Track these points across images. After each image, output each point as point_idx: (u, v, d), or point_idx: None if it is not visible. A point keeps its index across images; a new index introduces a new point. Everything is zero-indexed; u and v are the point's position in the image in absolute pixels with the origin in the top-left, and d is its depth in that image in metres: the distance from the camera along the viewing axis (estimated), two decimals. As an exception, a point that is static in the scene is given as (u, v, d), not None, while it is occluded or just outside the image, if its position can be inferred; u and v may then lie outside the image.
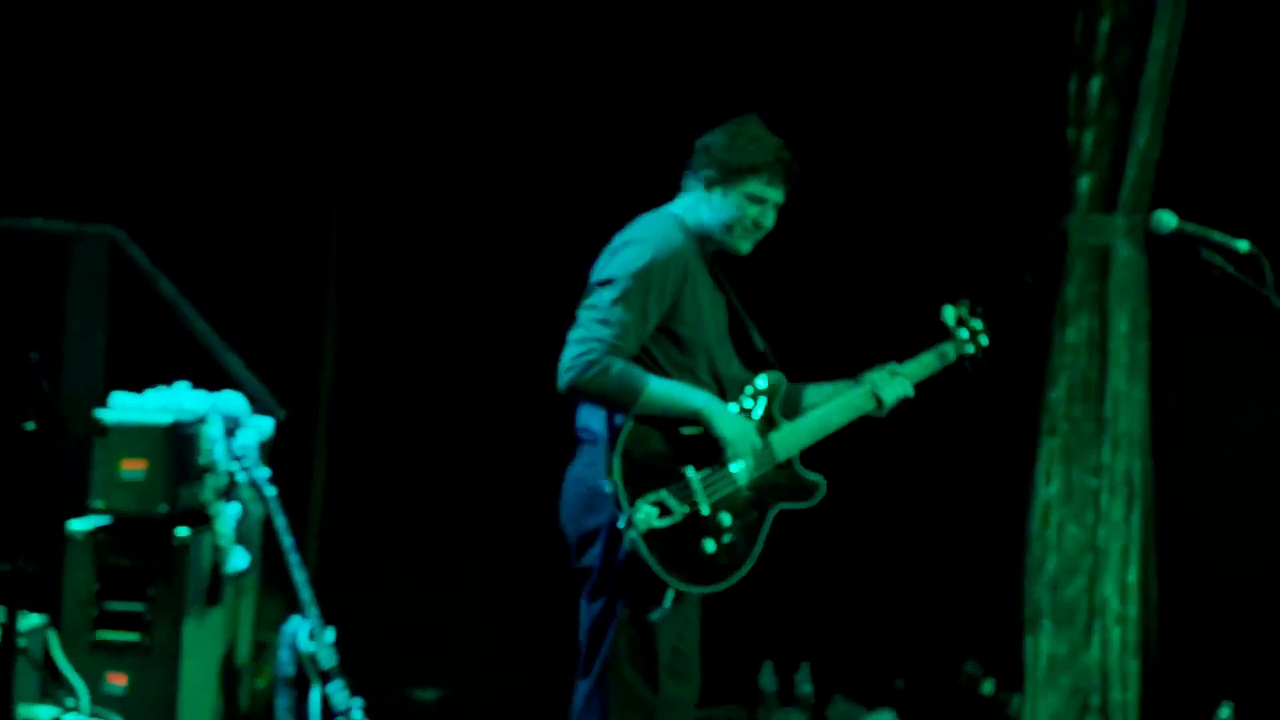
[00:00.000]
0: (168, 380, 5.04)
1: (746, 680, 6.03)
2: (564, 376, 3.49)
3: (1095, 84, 5.78)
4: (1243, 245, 3.73)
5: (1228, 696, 5.72)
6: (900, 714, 5.88)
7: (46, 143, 6.04)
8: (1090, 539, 5.79)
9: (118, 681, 4.66)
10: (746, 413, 3.73)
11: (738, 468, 3.62)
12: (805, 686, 6.02)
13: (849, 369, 4.01)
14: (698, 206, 3.75)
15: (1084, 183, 5.85)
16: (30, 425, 2.87)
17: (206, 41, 6.20)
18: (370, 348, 6.33)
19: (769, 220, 3.75)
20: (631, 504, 3.45)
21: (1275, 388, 5.66)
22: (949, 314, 4.10)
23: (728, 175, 3.69)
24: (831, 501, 5.99)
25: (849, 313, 6.04)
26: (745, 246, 3.77)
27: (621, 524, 3.45)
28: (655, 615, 3.53)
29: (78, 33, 6.10)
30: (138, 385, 5.05)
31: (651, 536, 3.46)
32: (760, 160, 3.68)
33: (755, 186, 3.69)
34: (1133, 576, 5.76)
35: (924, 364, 4.02)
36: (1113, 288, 5.83)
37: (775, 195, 3.73)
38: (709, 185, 3.73)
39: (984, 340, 4.13)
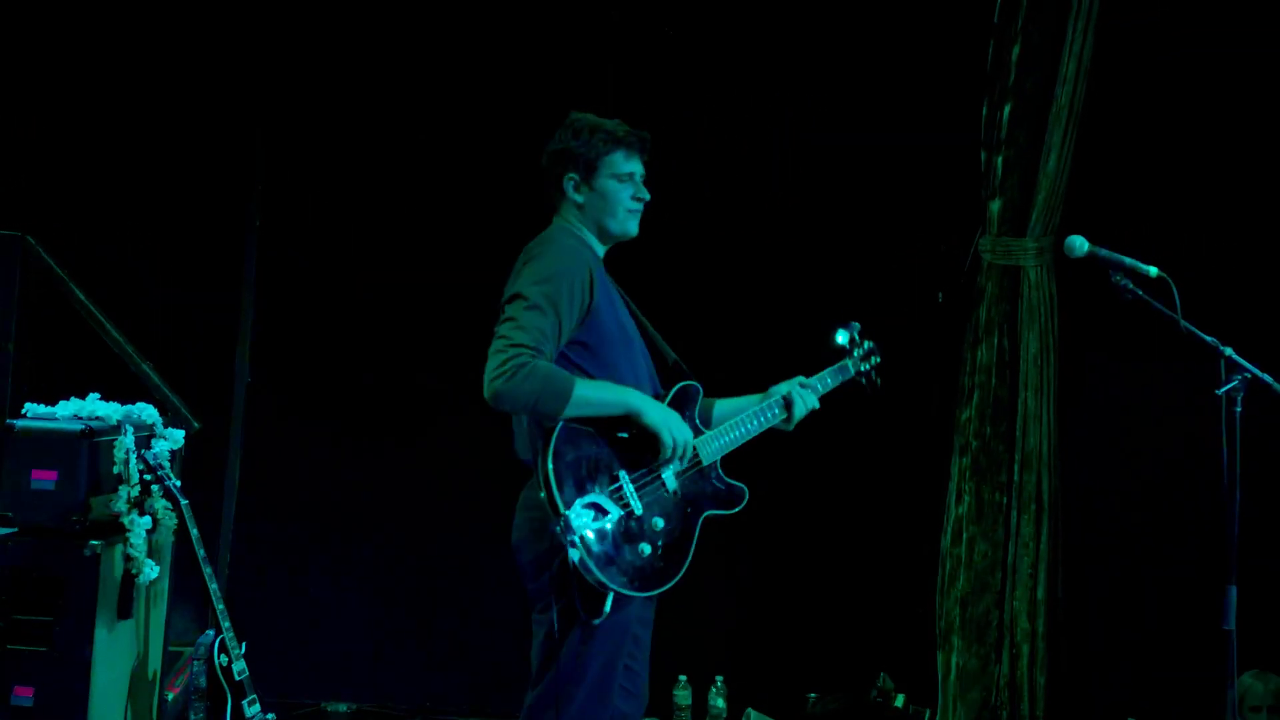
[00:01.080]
0: (80, 390, 4.98)
1: (661, 694, 6.04)
2: (492, 384, 3.49)
3: (1006, 110, 5.88)
4: (1152, 270, 3.85)
5: (1132, 712, 5.83)
6: (812, 728, 5.95)
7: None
8: (1000, 556, 5.89)
9: (25, 694, 4.58)
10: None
11: (667, 471, 3.65)
12: (719, 701, 6.04)
13: (755, 383, 4.08)
14: (578, 213, 3.82)
15: (995, 206, 5.95)
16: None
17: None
18: (285, 351, 6.29)
19: (645, 193, 3.85)
20: (568, 507, 3.47)
21: (1178, 408, 5.76)
22: (842, 336, 4.22)
23: (588, 168, 3.78)
24: (745, 514, 6.08)
25: (757, 327, 6.09)
26: (633, 227, 3.85)
27: (558, 528, 3.46)
28: (597, 620, 3.53)
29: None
30: (50, 395, 4.98)
31: (588, 538, 3.48)
32: (607, 141, 3.78)
33: (616, 166, 3.79)
34: (1042, 593, 5.87)
35: (828, 378, 4.13)
36: (1023, 309, 5.94)
37: (637, 168, 3.84)
38: (577, 187, 3.80)
39: (876, 360, 4.27)
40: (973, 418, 5.96)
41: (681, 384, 3.81)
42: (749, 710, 6.02)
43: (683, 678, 6.06)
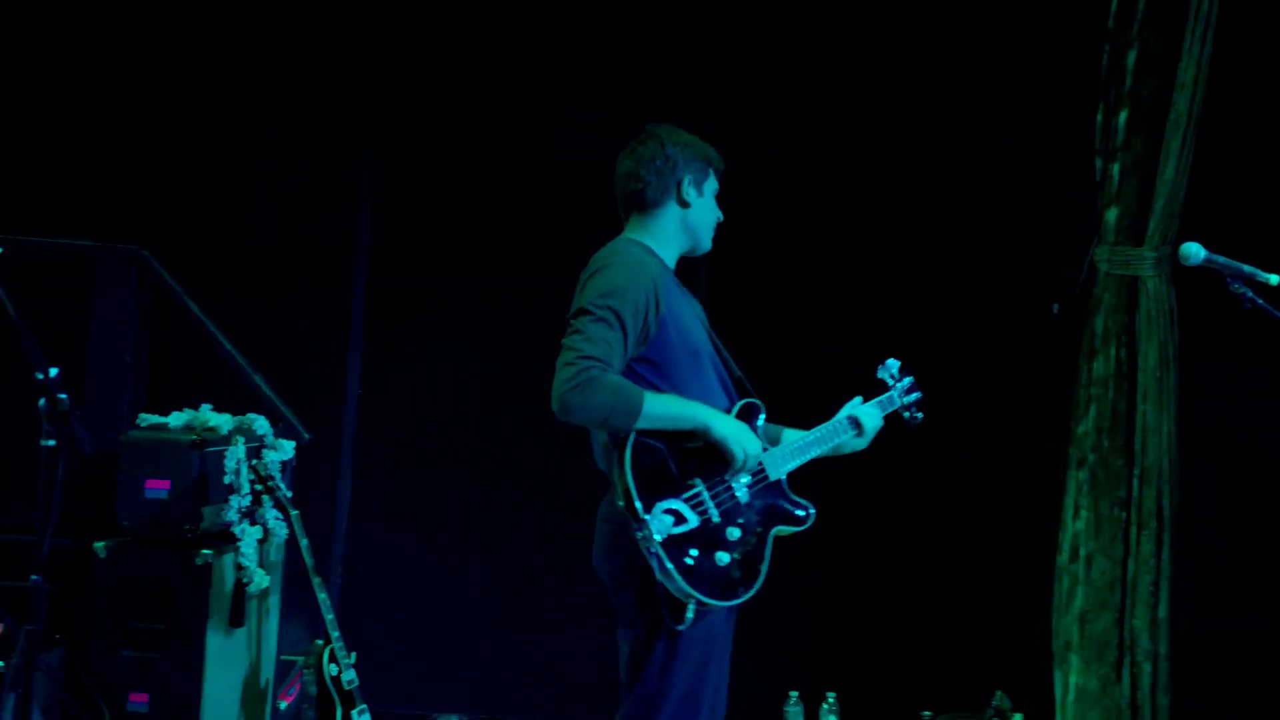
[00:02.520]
0: (193, 402, 5.06)
1: (773, 711, 5.99)
2: (562, 396, 3.47)
3: (1122, 116, 5.76)
4: (1273, 278, 3.73)
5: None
6: (926, 747, 5.85)
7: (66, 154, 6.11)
8: (1120, 573, 5.74)
9: (141, 700, 4.67)
10: None
11: (738, 483, 3.62)
12: (830, 718, 5.97)
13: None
14: (661, 222, 3.81)
15: (1111, 214, 5.83)
16: (50, 442, 2.88)
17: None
18: (396, 368, 6.35)
19: (720, 214, 3.91)
20: (647, 512, 3.44)
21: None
22: (881, 372, 4.12)
23: (697, 178, 3.82)
24: (860, 530, 6.01)
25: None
26: (709, 243, 3.90)
27: (640, 534, 3.44)
28: (680, 627, 3.50)
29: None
30: (163, 406, 5.07)
31: (670, 546, 3.45)
32: (712, 156, 3.86)
33: (714, 182, 3.87)
34: (1163, 612, 5.71)
35: (887, 402, 4.04)
36: (1141, 320, 5.80)
37: (715, 186, 3.90)
38: (663, 203, 3.80)
39: (915, 396, 4.14)
40: (1089, 431, 5.83)
41: (745, 400, 3.78)
42: (859, 727, 5.94)
43: (794, 694, 5.99)
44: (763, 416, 3.78)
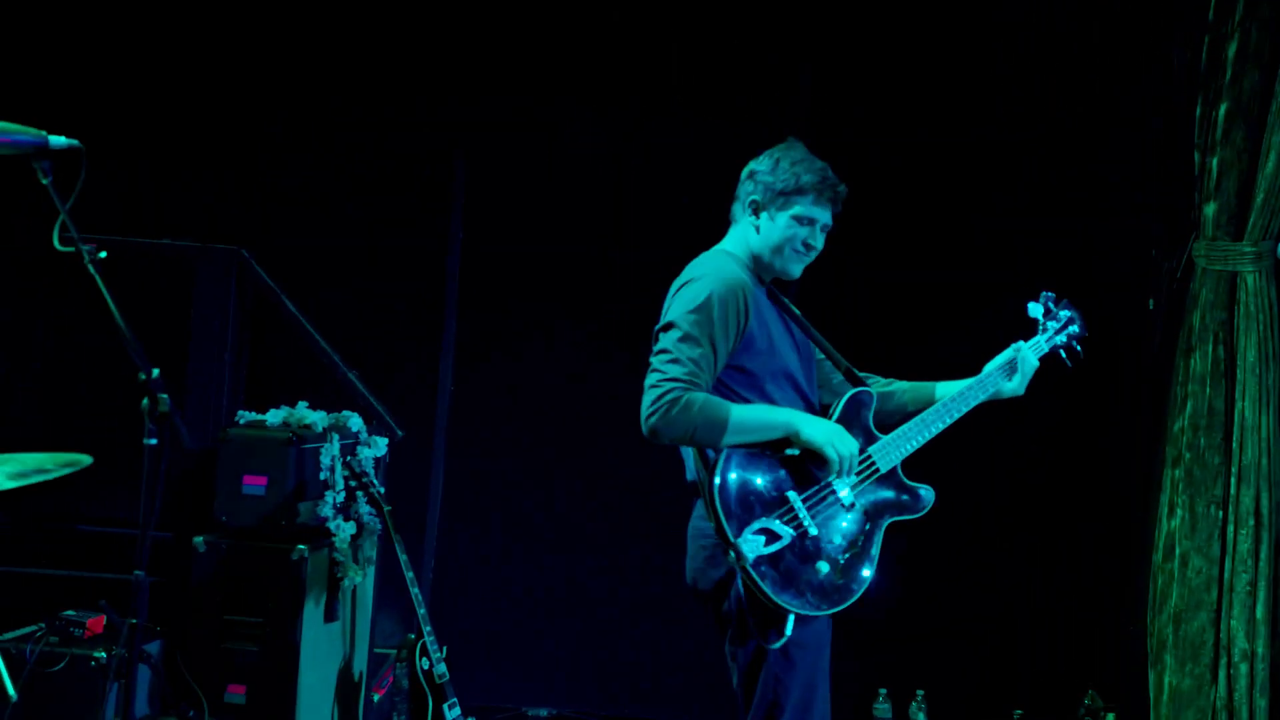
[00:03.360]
0: (290, 399, 5.14)
1: (862, 708, 5.98)
2: (648, 421, 3.50)
3: (1222, 109, 5.67)
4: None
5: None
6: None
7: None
8: (1216, 573, 5.66)
9: (238, 691, 4.75)
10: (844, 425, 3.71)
11: (840, 485, 3.61)
12: (920, 715, 5.95)
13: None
14: (747, 235, 3.79)
15: (1210, 209, 5.74)
16: (153, 440, 2.95)
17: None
18: (487, 367, 6.41)
19: (818, 242, 3.78)
20: (738, 535, 3.45)
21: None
22: (1034, 309, 4.11)
23: (775, 198, 3.74)
24: (952, 525, 5.99)
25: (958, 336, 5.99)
26: (796, 269, 3.80)
27: (731, 557, 3.45)
28: (776, 644, 3.50)
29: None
30: (261, 403, 5.16)
31: (763, 565, 3.45)
32: (806, 182, 3.72)
33: (801, 208, 3.73)
34: (1261, 612, 5.62)
35: (1033, 348, 4.03)
36: (1240, 316, 5.72)
37: (823, 216, 3.77)
38: (756, 210, 3.76)
39: (1075, 329, 4.13)
40: (1185, 428, 5.75)
41: (850, 393, 3.76)
42: (950, 726, 5.92)
43: (883, 691, 5.98)
44: (870, 404, 3.77)
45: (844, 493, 3.62)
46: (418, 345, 6.34)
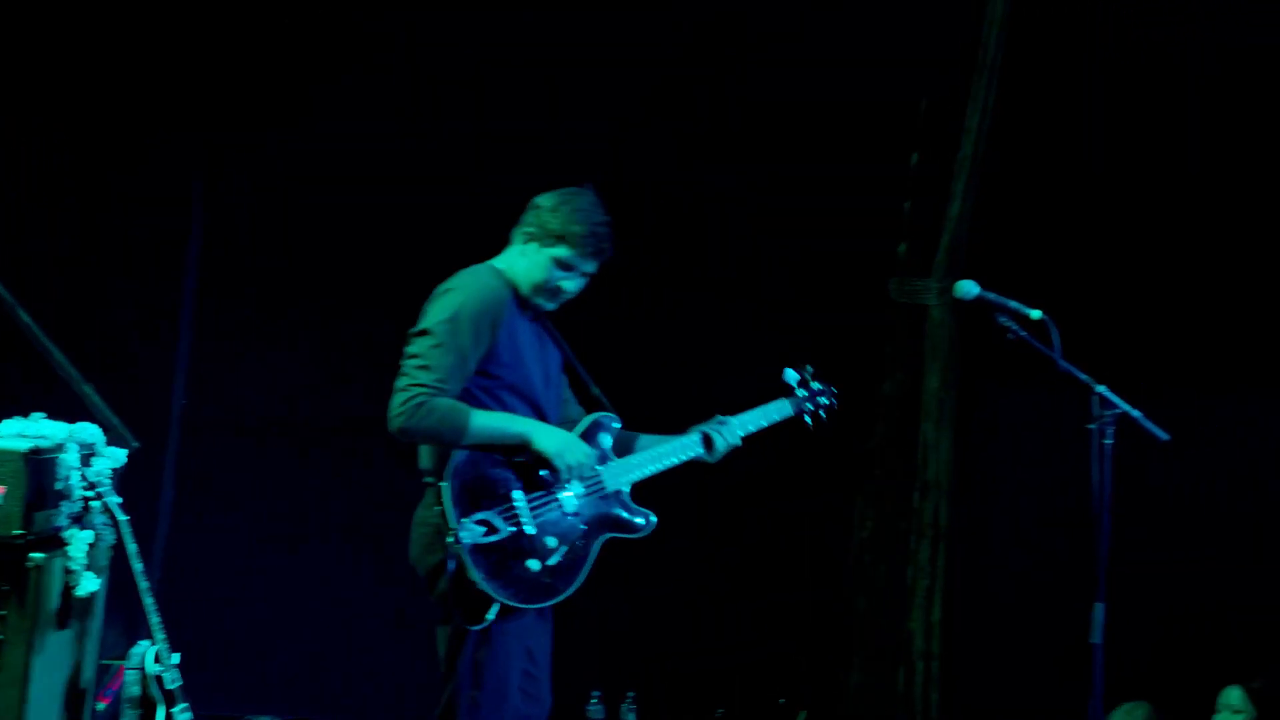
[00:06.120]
0: (24, 410, 5.13)
1: (576, 711, 6.25)
2: (394, 421, 3.75)
3: (914, 158, 6.22)
4: (1035, 313, 4.09)
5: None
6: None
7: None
8: (899, 579, 6.19)
9: (-36, 701, 4.71)
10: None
11: (565, 494, 3.88)
12: (630, 717, 6.25)
13: (688, 417, 4.26)
14: (514, 260, 4.00)
15: (903, 248, 6.28)
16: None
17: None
18: (222, 381, 6.48)
19: (572, 287, 3.99)
20: (458, 522, 3.70)
21: (1066, 439, 6.07)
22: (790, 375, 4.38)
23: (544, 236, 3.94)
24: (660, 533, 6.32)
25: (691, 362, 6.34)
26: (547, 306, 4.02)
27: (450, 540, 3.70)
28: (476, 627, 3.74)
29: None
30: (-6, 415, 5.13)
31: (477, 553, 3.70)
32: (575, 231, 3.92)
33: (564, 253, 3.93)
34: (937, 615, 6.18)
35: (756, 417, 4.29)
36: (926, 346, 6.27)
37: (585, 266, 3.98)
38: (526, 241, 3.99)
39: (826, 401, 4.42)
40: (878, 448, 6.27)
41: (594, 415, 4.06)
42: (659, 725, 6.25)
43: (596, 694, 6.25)
44: (612, 430, 4.05)
45: (568, 501, 3.89)
46: (154, 356, 6.37)
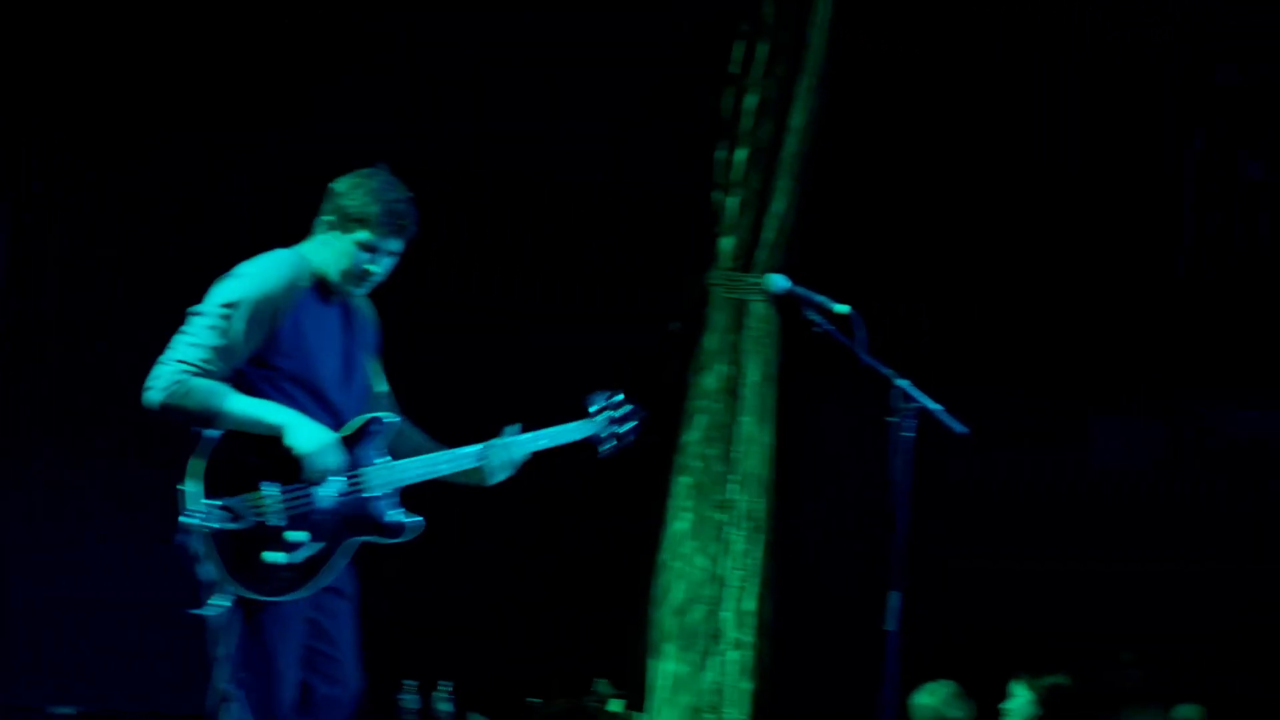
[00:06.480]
0: None
1: (387, 699, 6.21)
2: (148, 394, 3.65)
3: (741, 154, 6.30)
4: (841, 308, 4.15)
5: (830, 714, 6.24)
6: (533, 731, 6.21)
7: None
8: (715, 570, 6.27)
9: None
10: (344, 440, 3.85)
11: (322, 490, 3.77)
12: (444, 705, 6.23)
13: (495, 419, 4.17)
14: (317, 248, 3.93)
15: (726, 243, 6.36)
16: None
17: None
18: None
19: (380, 268, 3.92)
20: (202, 502, 3.63)
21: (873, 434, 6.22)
22: (596, 401, 4.27)
23: (343, 222, 3.87)
24: (470, 527, 6.32)
25: (497, 366, 6.35)
26: (355, 290, 3.94)
27: (185, 519, 3.62)
28: (206, 611, 3.67)
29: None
30: None
31: (217, 538, 3.63)
32: (373, 212, 3.86)
33: (365, 235, 3.86)
34: (750, 604, 6.26)
35: (550, 437, 4.17)
36: (747, 340, 6.35)
37: (388, 245, 3.91)
38: (328, 230, 3.91)
39: (622, 429, 4.30)
40: (696, 440, 6.33)
41: (368, 415, 3.92)
42: (473, 715, 6.23)
43: (409, 683, 6.22)
44: (388, 430, 3.92)
45: (324, 499, 3.77)
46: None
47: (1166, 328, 7.06)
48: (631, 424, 4.32)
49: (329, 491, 3.79)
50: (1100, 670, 6.69)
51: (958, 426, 4.08)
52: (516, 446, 4.07)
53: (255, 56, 6.35)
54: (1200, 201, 7.23)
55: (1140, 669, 6.86)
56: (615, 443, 4.29)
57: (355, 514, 3.84)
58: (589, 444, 4.28)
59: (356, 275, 3.89)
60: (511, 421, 4.08)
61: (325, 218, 3.92)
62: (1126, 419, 7.47)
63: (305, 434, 3.75)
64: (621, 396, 4.32)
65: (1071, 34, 6.65)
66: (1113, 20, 6.60)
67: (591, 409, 4.26)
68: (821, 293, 4.15)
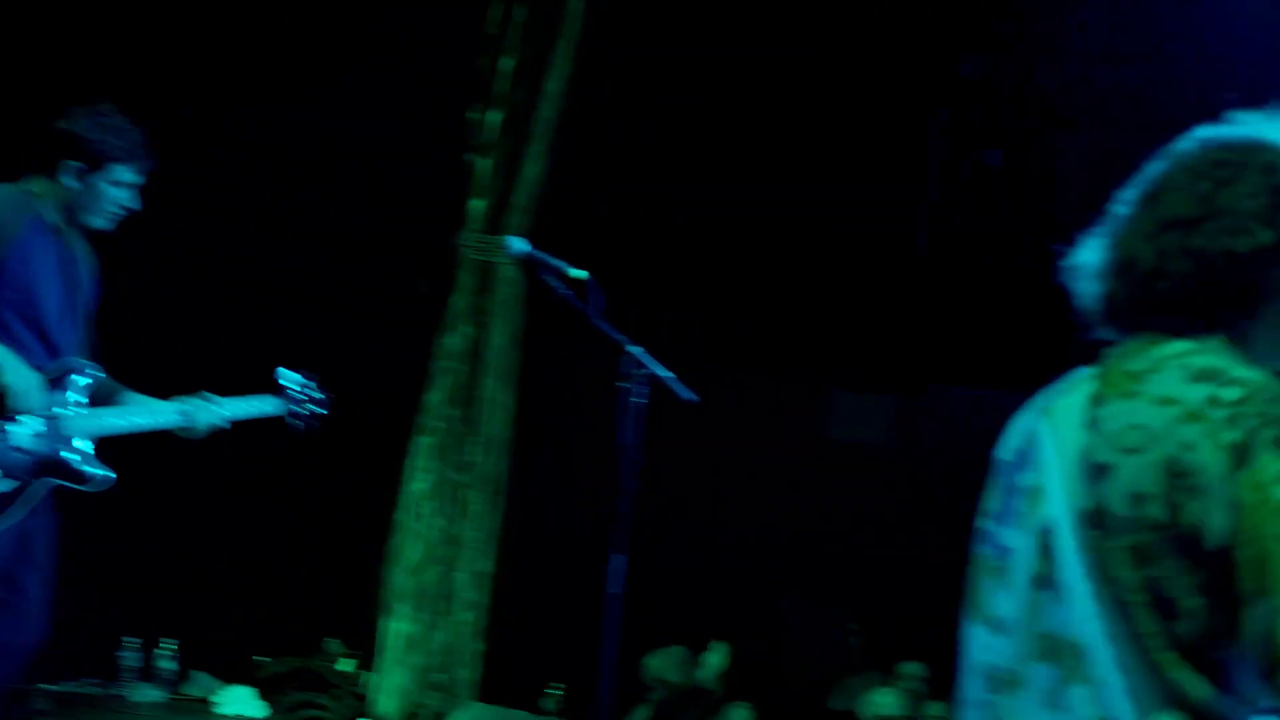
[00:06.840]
0: None
1: (106, 656, 6.05)
2: None
3: (495, 116, 6.28)
4: (578, 273, 4.20)
5: (557, 679, 6.31)
6: (260, 690, 6.09)
7: None
8: (451, 530, 6.27)
9: None
10: (50, 382, 3.83)
11: (17, 428, 3.74)
12: (166, 662, 6.10)
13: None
14: (57, 191, 3.90)
15: (478, 205, 6.35)
16: None
17: None
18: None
19: (121, 198, 3.96)
20: None
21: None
22: (285, 378, 4.38)
23: (95, 164, 3.89)
24: (201, 483, 6.21)
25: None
26: (99, 224, 3.98)
27: None
28: None
29: None
30: None
31: None
32: (110, 144, 3.90)
33: (120, 173, 3.92)
34: (486, 566, 6.29)
35: (243, 407, 4.24)
36: (494, 303, 6.35)
37: (125, 176, 3.95)
38: (78, 174, 3.89)
39: (307, 411, 4.44)
40: (439, 401, 6.31)
41: (70, 360, 3.90)
42: (195, 672, 6.12)
43: (130, 640, 6.07)
44: (89, 378, 3.91)
45: (18, 436, 3.74)
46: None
47: (907, 306, 7.31)
48: (309, 411, 4.44)
49: (26, 430, 3.73)
50: (823, 637, 6.94)
51: (686, 393, 4.16)
52: (221, 410, 4.12)
53: (254, 55, 6.29)
54: (943, 186, 7.49)
55: (861, 638, 7.11)
56: (301, 423, 4.42)
57: (49, 457, 3.81)
58: (280, 419, 4.37)
59: (113, 212, 3.93)
60: (215, 382, 4.15)
61: (66, 163, 3.87)
62: (862, 394, 7.73)
63: (9, 370, 3.69)
64: (315, 382, 4.45)
65: (823, 21, 6.79)
66: (864, 12, 6.77)
67: (285, 385, 4.37)
68: (565, 259, 4.21)
